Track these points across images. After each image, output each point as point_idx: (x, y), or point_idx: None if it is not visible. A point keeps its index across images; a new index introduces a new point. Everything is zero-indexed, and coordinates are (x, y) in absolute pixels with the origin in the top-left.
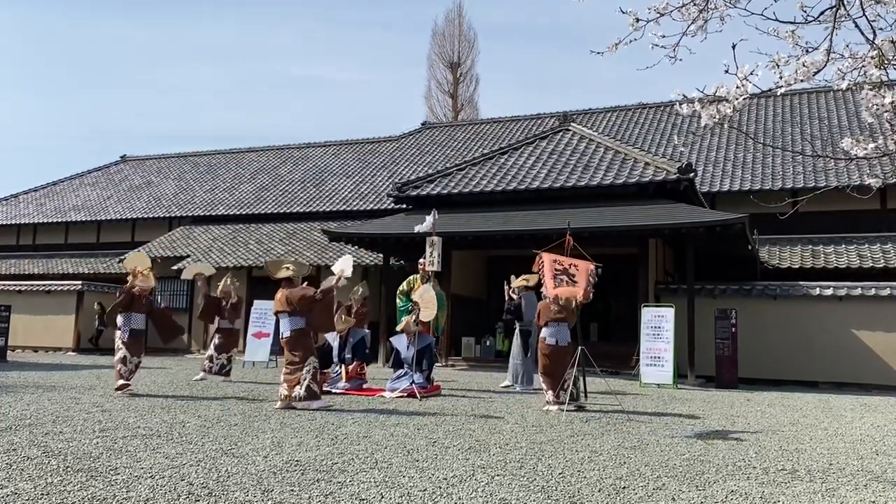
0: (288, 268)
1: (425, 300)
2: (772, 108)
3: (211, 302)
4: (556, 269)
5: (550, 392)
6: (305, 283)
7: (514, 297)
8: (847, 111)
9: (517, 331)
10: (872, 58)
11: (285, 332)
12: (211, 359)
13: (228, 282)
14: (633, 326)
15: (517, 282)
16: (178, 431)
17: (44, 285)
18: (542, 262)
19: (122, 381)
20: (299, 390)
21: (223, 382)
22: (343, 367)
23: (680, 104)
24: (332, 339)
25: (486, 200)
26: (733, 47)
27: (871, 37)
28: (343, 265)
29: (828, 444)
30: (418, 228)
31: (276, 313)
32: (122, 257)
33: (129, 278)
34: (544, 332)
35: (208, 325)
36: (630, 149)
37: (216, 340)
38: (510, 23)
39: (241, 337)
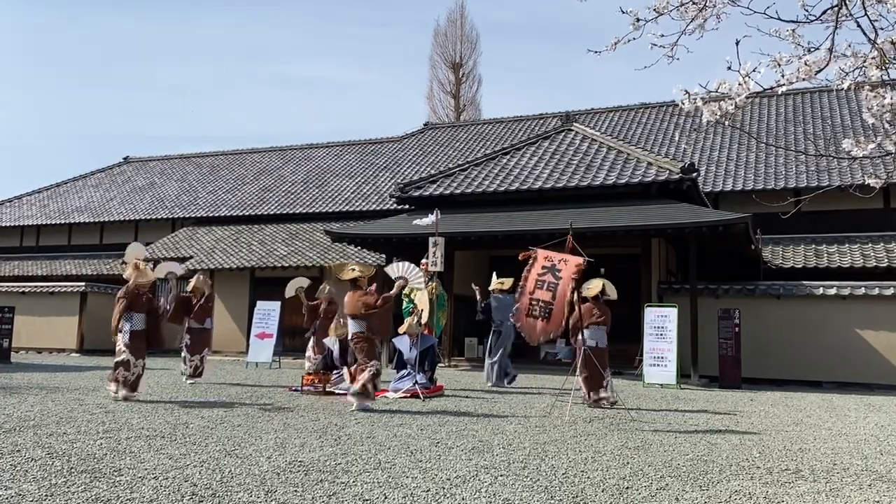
0: (354, 269)
1: (422, 303)
2: (774, 108)
3: (181, 302)
4: (543, 268)
5: (590, 392)
6: (373, 285)
7: (481, 297)
8: (850, 110)
9: (492, 330)
10: (873, 58)
11: (349, 334)
12: (185, 361)
13: (202, 278)
14: (635, 326)
15: (493, 284)
16: (181, 432)
17: (47, 286)
18: (535, 257)
19: (124, 392)
20: (355, 386)
21: (190, 383)
22: (346, 369)
23: (682, 101)
24: (332, 343)
25: (488, 201)
26: (737, 43)
27: (872, 36)
28: (402, 271)
29: (832, 443)
30: (420, 222)
31: (347, 315)
32: (124, 260)
33: (130, 274)
34: (585, 334)
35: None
36: (633, 148)
37: (187, 341)
38: (512, 23)
39: (247, 336)
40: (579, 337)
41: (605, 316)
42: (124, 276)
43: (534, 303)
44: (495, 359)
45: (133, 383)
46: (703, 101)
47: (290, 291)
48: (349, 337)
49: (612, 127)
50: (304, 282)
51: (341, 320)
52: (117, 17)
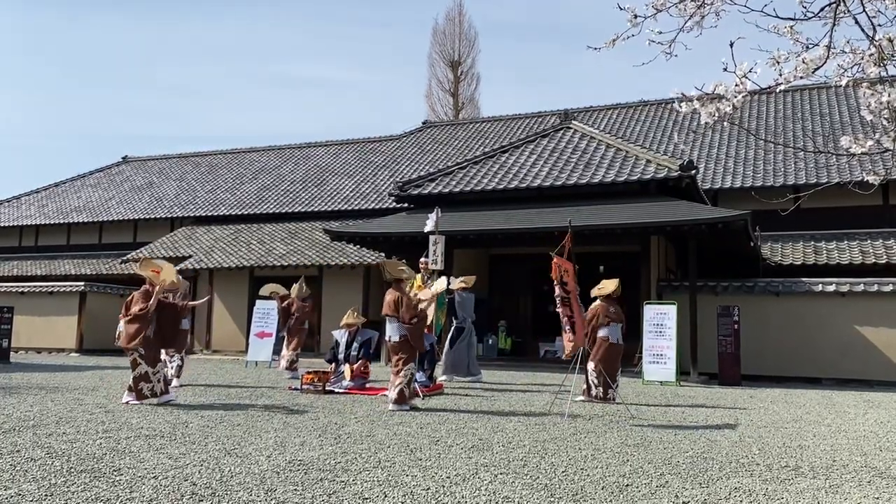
0: (402, 270)
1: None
2: (773, 105)
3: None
4: (556, 284)
5: (601, 388)
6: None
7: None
8: (849, 107)
9: (455, 326)
10: (871, 55)
11: (393, 336)
12: (165, 363)
13: (180, 277)
14: (635, 324)
15: (456, 283)
16: (181, 432)
17: (46, 286)
18: (561, 268)
19: (130, 398)
20: (391, 393)
21: (176, 385)
22: (347, 365)
23: (679, 102)
24: (340, 335)
25: (487, 199)
26: (731, 45)
27: (870, 33)
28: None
29: (831, 440)
30: (426, 228)
31: (386, 315)
32: (127, 259)
33: (148, 273)
34: (604, 331)
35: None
36: (631, 146)
37: None
38: (511, 21)
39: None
40: (600, 334)
41: (619, 313)
42: (158, 279)
43: (564, 320)
44: (458, 353)
45: (165, 385)
46: (700, 103)
47: (264, 291)
48: (393, 338)
49: (611, 125)
50: (278, 288)
51: (355, 313)
52: (117, 17)
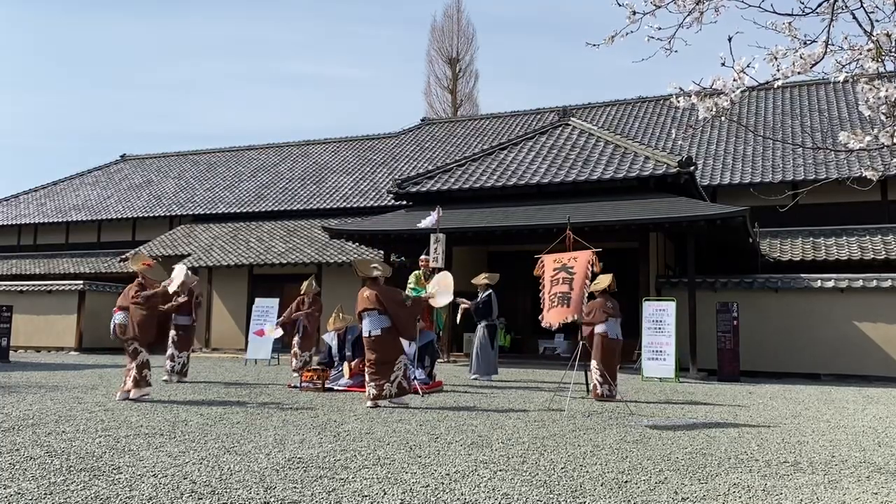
0: (376, 268)
1: (443, 285)
2: (771, 101)
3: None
4: (554, 269)
5: (608, 385)
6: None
7: (480, 295)
8: (847, 103)
9: (483, 325)
10: (869, 50)
11: (373, 330)
12: (172, 357)
13: (188, 273)
14: (634, 320)
15: (480, 279)
16: (180, 430)
17: (45, 285)
18: (543, 265)
19: (137, 393)
20: (391, 388)
21: (179, 383)
22: (346, 364)
23: (676, 97)
24: (330, 338)
25: (486, 196)
26: (729, 40)
27: (868, 28)
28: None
29: (830, 436)
30: (423, 224)
31: (362, 311)
32: (124, 257)
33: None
34: (602, 327)
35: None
36: (630, 143)
37: (174, 337)
38: (509, 17)
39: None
40: (598, 330)
41: (616, 308)
42: (151, 272)
43: (553, 297)
44: (490, 353)
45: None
46: (698, 98)
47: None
48: (373, 332)
49: (610, 121)
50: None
51: (340, 315)
52: (116, 16)
